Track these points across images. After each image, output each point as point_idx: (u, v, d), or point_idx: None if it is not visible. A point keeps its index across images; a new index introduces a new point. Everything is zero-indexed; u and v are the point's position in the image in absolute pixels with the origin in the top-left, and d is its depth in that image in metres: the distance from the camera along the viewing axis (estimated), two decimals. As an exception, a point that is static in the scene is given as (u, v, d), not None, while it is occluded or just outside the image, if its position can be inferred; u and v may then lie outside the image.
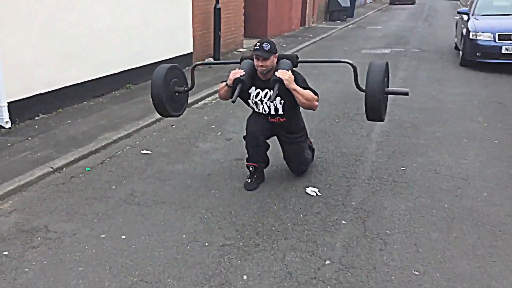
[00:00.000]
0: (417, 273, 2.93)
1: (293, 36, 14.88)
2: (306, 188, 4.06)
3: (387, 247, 3.20)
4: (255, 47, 3.78)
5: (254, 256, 3.09)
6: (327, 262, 3.03)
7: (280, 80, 3.68)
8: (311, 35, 15.07)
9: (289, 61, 3.89)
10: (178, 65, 4.31)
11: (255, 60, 3.82)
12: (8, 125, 5.25)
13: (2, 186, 3.98)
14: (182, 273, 2.91)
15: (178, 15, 8.78)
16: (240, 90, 3.75)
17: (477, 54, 9.20)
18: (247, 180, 4.11)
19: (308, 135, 4.37)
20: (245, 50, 11.82)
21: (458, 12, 11.15)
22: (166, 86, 3.97)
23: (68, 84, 6.19)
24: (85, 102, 6.52)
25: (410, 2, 33.22)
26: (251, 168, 4.09)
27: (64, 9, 6.00)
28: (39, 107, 5.76)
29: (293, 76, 3.74)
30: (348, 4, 20.13)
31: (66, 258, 3.09)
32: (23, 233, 3.38)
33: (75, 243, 3.26)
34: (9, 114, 5.25)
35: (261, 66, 3.79)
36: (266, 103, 3.93)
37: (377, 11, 27.30)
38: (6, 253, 3.14)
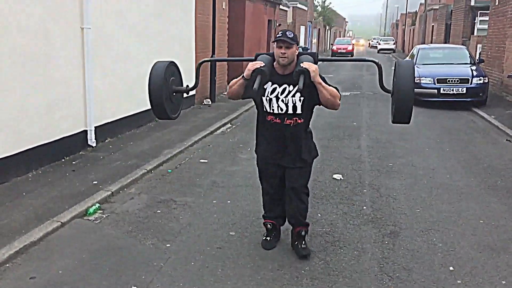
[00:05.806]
0: (418, 210, 4.89)
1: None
2: (333, 175, 5.98)
3: (396, 200, 5.17)
4: (278, 36, 3.47)
5: (315, 206, 4.92)
6: (364, 207, 4.94)
7: (306, 71, 3.32)
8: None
9: (310, 57, 3.58)
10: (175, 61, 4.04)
11: (276, 49, 3.49)
12: (94, 144, 6.84)
13: (123, 179, 5.61)
14: (280, 215, 4.70)
15: (186, 65, 10.68)
16: (260, 81, 3.36)
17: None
18: (264, 238, 4.09)
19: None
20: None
21: (403, 62, 13.81)
22: (165, 85, 3.66)
23: (123, 116, 7.86)
24: (133, 130, 8.18)
25: (349, 55, 37.14)
26: (269, 226, 4.05)
27: (121, 60, 7.76)
28: (106, 132, 7.38)
29: (318, 69, 3.41)
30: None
31: (201, 211, 4.81)
32: (160, 202, 5.05)
33: (199, 206, 4.97)
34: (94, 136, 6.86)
35: (284, 54, 3.46)
36: (283, 100, 3.58)
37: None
38: (158, 211, 4.80)
